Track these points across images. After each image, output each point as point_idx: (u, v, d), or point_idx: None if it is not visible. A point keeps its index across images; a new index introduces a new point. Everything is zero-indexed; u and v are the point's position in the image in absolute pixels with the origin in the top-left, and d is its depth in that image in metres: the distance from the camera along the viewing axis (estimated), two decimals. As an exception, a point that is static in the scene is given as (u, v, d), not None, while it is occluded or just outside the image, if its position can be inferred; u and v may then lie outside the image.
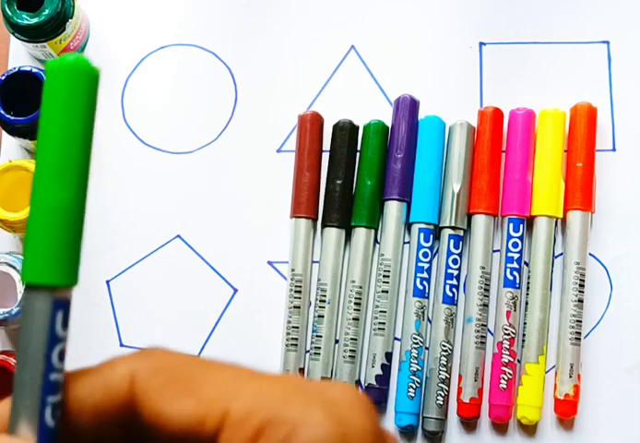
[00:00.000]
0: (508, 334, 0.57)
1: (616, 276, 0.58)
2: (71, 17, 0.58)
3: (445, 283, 0.57)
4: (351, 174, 0.59)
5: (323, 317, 0.58)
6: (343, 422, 0.23)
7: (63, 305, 0.24)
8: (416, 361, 0.57)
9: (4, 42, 0.63)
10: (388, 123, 0.60)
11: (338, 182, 0.59)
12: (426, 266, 0.58)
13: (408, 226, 0.59)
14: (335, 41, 0.62)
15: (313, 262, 0.59)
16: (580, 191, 0.58)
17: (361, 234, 0.58)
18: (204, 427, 0.24)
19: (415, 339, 0.57)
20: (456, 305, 0.58)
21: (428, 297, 0.58)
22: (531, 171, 0.58)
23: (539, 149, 0.59)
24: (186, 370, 0.24)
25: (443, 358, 0.57)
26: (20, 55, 0.62)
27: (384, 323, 0.57)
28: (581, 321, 0.57)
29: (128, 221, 0.60)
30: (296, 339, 0.58)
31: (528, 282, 0.57)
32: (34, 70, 0.57)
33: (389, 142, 0.59)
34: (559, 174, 0.58)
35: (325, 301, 0.58)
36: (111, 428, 0.25)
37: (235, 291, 0.60)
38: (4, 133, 0.60)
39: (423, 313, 0.57)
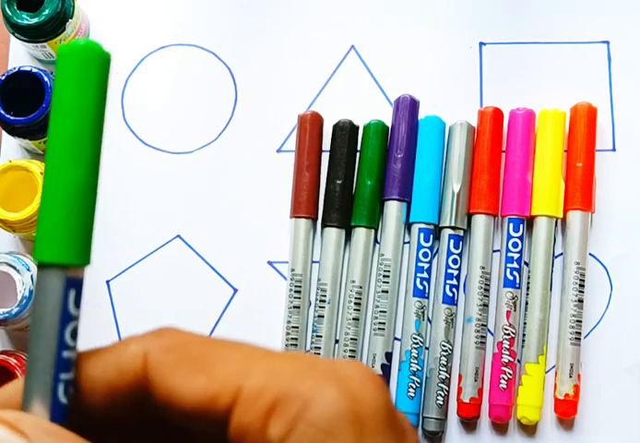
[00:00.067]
0: (508, 334, 0.57)
1: (616, 276, 0.58)
2: (71, 17, 0.58)
3: (445, 283, 0.57)
4: (351, 174, 0.59)
5: (323, 317, 0.58)
6: (355, 398, 0.23)
7: (75, 284, 0.24)
8: (416, 361, 0.57)
9: (4, 42, 0.63)
10: (388, 123, 0.60)
11: (338, 182, 0.59)
12: (426, 266, 0.58)
13: (408, 226, 0.59)
14: (335, 41, 0.62)
15: (313, 262, 0.59)
16: (580, 191, 0.58)
17: (361, 234, 0.58)
18: (216, 405, 0.24)
19: (415, 339, 0.57)
20: (456, 305, 0.58)
21: (428, 297, 0.58)
22: (531, 171, 0.58)
23: (539, 149, 0.59)
24: (198, 349, 0.25)
25: (443, 358, 0.57)
26: (20, 55, 0.62)
27: (384, 323, 0.57)
28: (581, 321, 0.57)
29: (128, 221, 0.60)
30: (296, 339, 0.58)
31: (528, 282, 0.57)
32: (34, 70, 0.57)
33: (389, 142, 0.59)
34: (559, 174, 0.58)
35: (325, 301, 0.58)
36: (123, 406, 0.25)
37: (235, 291, 0.60)
38: (4, 133, 0.60)
39: (423, 313, 0.57)
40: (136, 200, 0.61)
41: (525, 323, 0.57)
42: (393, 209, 0.58)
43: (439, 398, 0.57)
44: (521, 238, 0.58)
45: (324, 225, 0.59)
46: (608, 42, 0.61)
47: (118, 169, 0.61)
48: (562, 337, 0.57)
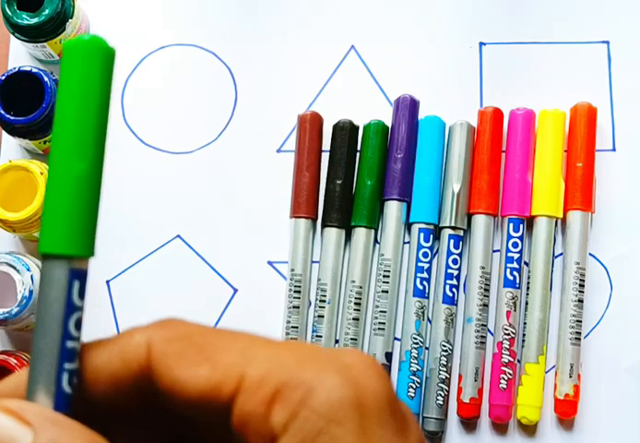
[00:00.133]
0: (508, 334, 0.57)
1: (616, 276, 0.58)
2: (71, 17, 0.58)
3: (445, 283, 0.57)
4: (351, 174, 0.59)
5: (323, 317, 0.58)
6: (358, 385, 0.23)
7: (79, 276, 0.25)
8: (416, 361, 0.57)
9: (4, 42, 0.63)
10: (388, 123, 0.60)
11: (338, 182, 0.59)
12: (426, 266, 0.58)
13: (408, 226, 0.59)
14: (335, 41, 0.62)
15: (312, 262, 0.59)
16: (580, 191, 0.58)
17: (361, 234, 0.58)
18: (220, 393, 0.24)
19: (415, 339, 0.57)
20: (456, 305, 0.58)
21: (428, 297, 0.58)
22: (531, 171, 0.58)
23: (539, 149, 0.59)
24: (202, 338, 0.25)
25: (443, 358, 0.57)
26: (20, 55, 0.62)
27: (384, 323, 0.57)
28: (581, 321, 0.57)
29: (128, 221, 0.60)
30: (296, 339, 0.58)
31: (528, 282, 0.57)
32: (34, 70, 0.57)
33: (389, 142, 0.59)
34: (559, 174, 0.58)
35: (325, 301, 0.58)
36: (127, 396, 0.25)
37: (235, 291, 0.60)
38: (4, 133, 0.60)
39: (423, 313, 0.57)
40: (136, 200, 0.61)
41: (525, 323, 0.57)
42: (393, 209, 0.58)
43: (439, 398, 0.57)
44: (521, 238, 0.58)
45: (324, 225, 0.59)
46: (608, 42, 0.61)
47: (118, 169, 0.61)
48: (562, 337, 0.57)
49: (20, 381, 0.25)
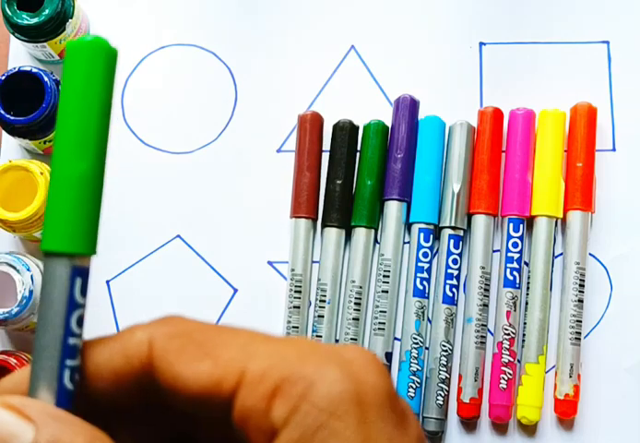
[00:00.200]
0: (508, 334, 0.57)
1: (616, 276, 0.58)
2: (71, 17, 0.58)
3: (445, 283, 0.57)
4: (351, 174, 0.59)
5: (323, 317, 0.58)
6: (358, 380, 0.24)
7: (81, 273, 0.25)
8: (416, 361, 0.57)
9: (4, 42, 0.63)
10: (388, 123, 0.60)
11: (338, 182, 0.59)
12: (426, 266, 0.58)
13: (408, 226, 0.59)
14: (335, 41, 0.62)
15: (313, 262, 0.59)
16: (580, 191, 0.58)
17: (361, 234, 0.58)
18: (221, 388, 0.24)
19: (415, 339, 0.57)
20: (456, 305, 0.58)
21: (428, 297, 0.58)
22: (531, 171, 0.58)
23: (539, 149, 0.59)
24: (203, 335, 0.25)
25: (443, 358, 0.57)
26: (20, 55, 0.62)
27: (384, 323, 0.57)
28: (581, 321, 0.57)
29: (128, 221, 0.60)
30: (296, 339, 0.58)
31: (528, 282, 0.57)
32: (34, 70, 0.57)
33: (389, 142, 0.59)
34: (559, 174, 0.58)
35: (325, 301, 0.58)
36: (128, 393, 0.25)
37: (235, 291, 0.60)
38: (4, 133, 0.60)
39: (423, 313, 0.57)
40: (136, 200, 0.61)
41: (525, 323, 0.57)
42: (393, 209, 0.58)
43: (439, 398, 0.57)
44: (521, 238, 0.58)
45: (324, 225, 0.59)
46: (608, 42, 0.61)
47: (118, 169, 0.61)
48: (562, 337, 0.57)
49: (22, 378, 0.25)
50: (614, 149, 0.60)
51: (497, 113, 0.59)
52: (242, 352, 0.24)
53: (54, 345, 0.24)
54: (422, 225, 0.58)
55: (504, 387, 0.56)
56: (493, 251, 0.58)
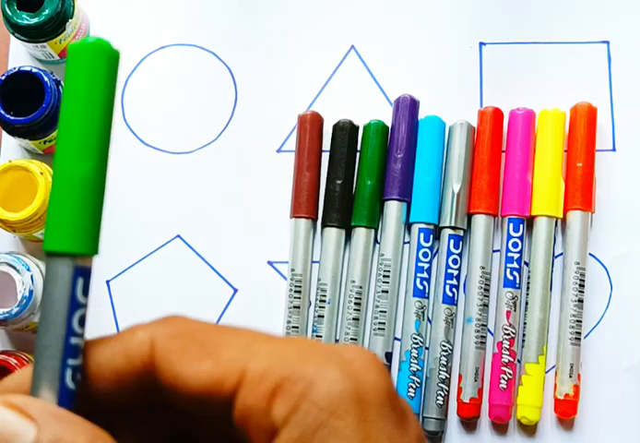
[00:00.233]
0: (508, 334, 0.57)
1: (616, 276, 0.58)
2: (71, 17, 0.58)
3: (445, 283, 0.57)
4: (351, 174, 0.59)
5: (323, 317, 0.58)
6: (358, 379, 0.24)
7: (83, 273, 0.25)
8: (416, 361, 0.57)
9: (4, 42, 0.63)
10: (388, 123, 0.60)
11: (338, 182, 0.59)
12: (426, 266, 0.58)
13: (408, 226, 0.59)
14: (335, 41, 0.62)
15: (313, 262, 0.59)
16: (580, 191, 0.58)
17: (361, 234, 0.58)
18: (222, 388, 0.24)
19: (415, 339, 0.57)
20: (456, 305, 0.58)
21: (428, 297, 0.58)
22: (531, 171, 0.58)
23: (539, 149, 0.59)
24: (204, 334, 0.25)
25: (443, 358, 0.57)
26: (20, 55, 0.62)
27: (384, 323, 0.57)
28: (581, 321, 0.57)
29: (128, 221, 0.60)
30: (296, 339, 0.58)
31: (528, 282, 0.57)
32: (34, 70, 0.57)
33: (389, 142, 0.59)
34: (559, 174, 0.58)
35: (325, 301, 0.58)
36: (130, 392, 0.25)
37: (235, 291, 0.60)
38: (4, 133, 0.60)
39: (423, 313, 0.57)
40: (136, 200, 0.61)
41: (525, 323, 0.57)
42: (393, 209, 0.58)
43: (439, 398, 0.57)
44: (521, 238, 0.58)
45: (324, 225, 0.59)
46: (608, 42, 0.61)
47: (118, 169, 0.61)
48: (562, 337, 0.57)
49: (24, 377, 0.25)
50: (614, 149, 0.60)
51: (497, 113, 0.59)
52: (242, 351, 0.24)
53: (56, 345, 0.24)
54: (422, 225, 0.58)
55: (504, 387, 0.56)
56: (493, 251, 0.58)
